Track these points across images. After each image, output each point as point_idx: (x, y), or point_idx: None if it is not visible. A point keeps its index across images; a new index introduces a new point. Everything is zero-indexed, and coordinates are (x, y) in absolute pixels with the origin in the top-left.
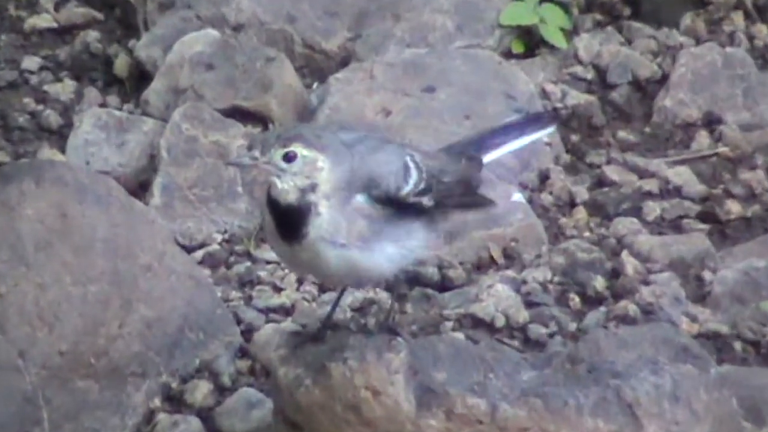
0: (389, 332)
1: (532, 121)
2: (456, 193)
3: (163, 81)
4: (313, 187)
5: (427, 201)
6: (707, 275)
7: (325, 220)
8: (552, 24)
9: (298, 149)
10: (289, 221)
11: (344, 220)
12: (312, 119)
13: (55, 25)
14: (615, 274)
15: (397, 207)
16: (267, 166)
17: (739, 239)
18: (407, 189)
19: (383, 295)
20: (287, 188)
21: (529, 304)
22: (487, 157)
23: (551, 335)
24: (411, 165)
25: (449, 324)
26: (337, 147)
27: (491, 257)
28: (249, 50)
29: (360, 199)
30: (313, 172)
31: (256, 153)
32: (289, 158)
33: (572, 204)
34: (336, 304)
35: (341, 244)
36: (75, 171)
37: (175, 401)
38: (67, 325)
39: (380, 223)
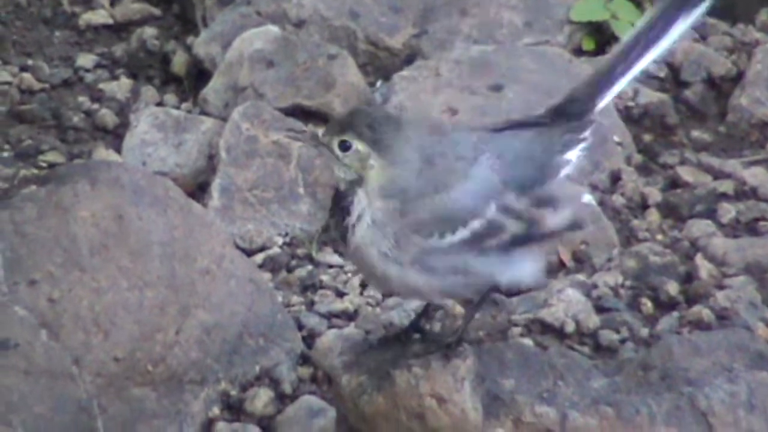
0: (457, 344)
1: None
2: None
3: (222, 79)
4: (360, 182)
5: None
6: None
7: (367, 219)
8: (624, 19)
9: (353, 140)
10: (340, 210)
11: (391, 230)
12: None
13: (110, 21)
14: (689, 278)
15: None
16: (323, 148)
17: None
18: (466, 234)
19: (449, 300)
20: (341, 175)
21: (600, 309)
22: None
23: (623, 341)
24: (491, 209)
25: (517, 329)
26: (396, 144)
27: (561, 261)
28: (310, 47)
29: (417, 239)
30: (364, 169)
31: (320, 132)
32: (344, 147)
33: (644, 206)
34: (421, 313)
35: (384, 253)
36: (131, 172)
37: (234, 410)
38: (122, 331)
39: (442, 252)
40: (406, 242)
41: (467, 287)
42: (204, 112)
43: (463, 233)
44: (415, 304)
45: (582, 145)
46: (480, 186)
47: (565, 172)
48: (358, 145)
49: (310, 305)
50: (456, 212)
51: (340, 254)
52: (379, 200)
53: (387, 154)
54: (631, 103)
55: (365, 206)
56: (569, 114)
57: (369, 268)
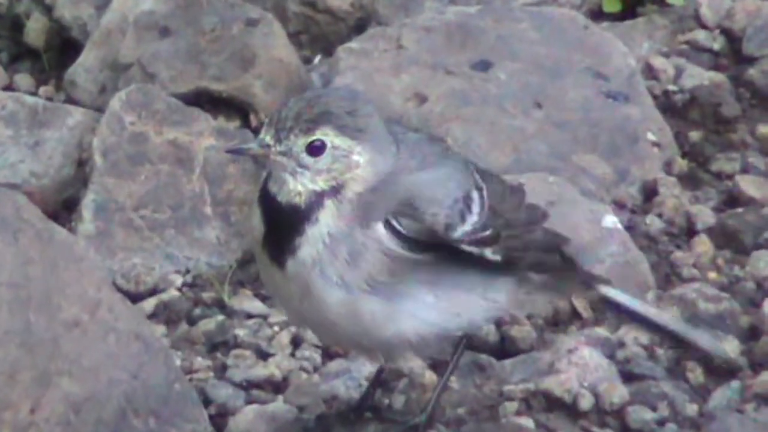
0: (427, 427)
1: None
2: (533, 247)
3: (97, 53)
4: (337, 190)
5: (491, 253)
6: None
7: (323, 234)
8: None
9: (328, 136)
10: (282, 228)
11: (346, 247)
12: None
13: None
14: (754, 333)
15: (439, 252)
16: (283, 158)
17: None
18: (463, 230)
19: (416, 363)
20: (300, 189)
21: (629, 377)
22: None
23: (661, 422)
24: (475, 196)
25: (512, 405)
26: (378, 129)
27: (573, 308)
28: (221, 8)
29: (380, 230)
30: (347, 169)
31: (268, 138)
32: (314, 149)
33: (691, 231)
34: (374, 382)
35: (327, 276)
36: None
37: None
38: None
39: (408, 266)
40: (365, 250)
41: (446, 320)
42: (71, 100)
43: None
44: (367, 370)
45: None
46: (463, 164)
47: None
48: (335, 141)
49: (221, 371)
50: (455, 190)
51: (263, 298)
52: (348, 207)
53: (374, 142)
54: (672, 86)
55: (326, 215)
56: None
57: (307, 299)
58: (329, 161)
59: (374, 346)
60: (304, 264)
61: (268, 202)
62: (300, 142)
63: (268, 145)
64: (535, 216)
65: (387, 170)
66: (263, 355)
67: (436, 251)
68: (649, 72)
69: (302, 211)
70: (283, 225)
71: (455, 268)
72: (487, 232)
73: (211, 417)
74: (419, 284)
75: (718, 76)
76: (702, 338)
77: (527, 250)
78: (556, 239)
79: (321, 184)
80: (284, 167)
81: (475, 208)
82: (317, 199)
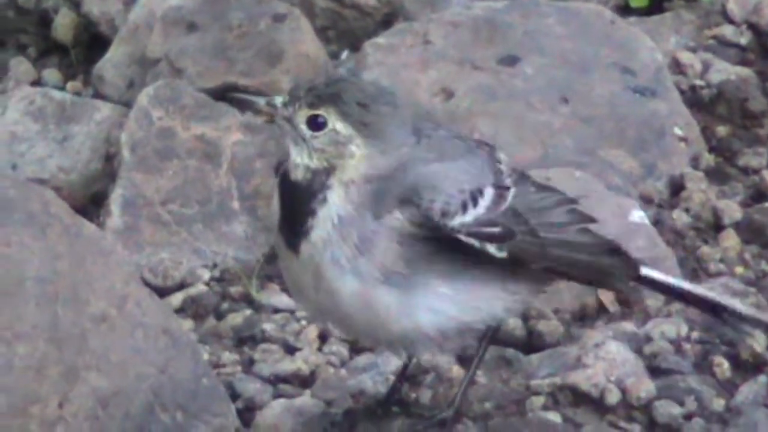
0: (455, 421)
1: None
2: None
3: (124, 48)
4: (328, 172)
5: (495, 249)
6: None
7: (332, 214)
8: None
9: (330, 117)
10: (296, 210)
11: (356, 230)
12: None
13: None
14: None
15: (448, 242)
16: (284, 122)
17: None
18: (461, 220)
19: (443, 358)
20: (298, 161)
21: (656, 372)
22: None
23: (688, 417)
24: (489, 192)
25: (539, 399)
26: (390, 128)
27: (600, 303)
28: (248, 4)
29: (392, 217)
30: (340, 156)
31: (278, 100)
32: (315, 124)
33: (718, 226)
34: (401, 376)
35: (337, 260)
36: None
37: None
38: None
39: (424, 257)
40: (377, 237)
41: (465, 313)
42: (99, 95)
43: (466, 216)
44: (395, 364)
45: None
46: (484, 163)
47: None
48: (337, 125)
49: (249, 365)
50: (463, 182)
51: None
52: (357, 191)
53: (377, 140)
54: (699, 81)
55: (336, 197)
56: None
57: (322, 289)
58: (326, 141)
59: (393, 339)
60: (316, 247)
61: (284, 183)
62: (302, 113)
63: (275, 107)
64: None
65: (387, 168)
66: (290, 350)
67: (447, 241)
68: (676, 67)
69: (309, 190)
70: (296, 207)
71: (473, 260)
72: (496, 229)
73: (238, 411)
74: (436, 276)
75: (745, 71)
76: (739, 305)
77: (559, 260)
78: (605, 244)
79: (315, 161)
80: (286, 133)
81: (484, 202)
82: (319, 178)
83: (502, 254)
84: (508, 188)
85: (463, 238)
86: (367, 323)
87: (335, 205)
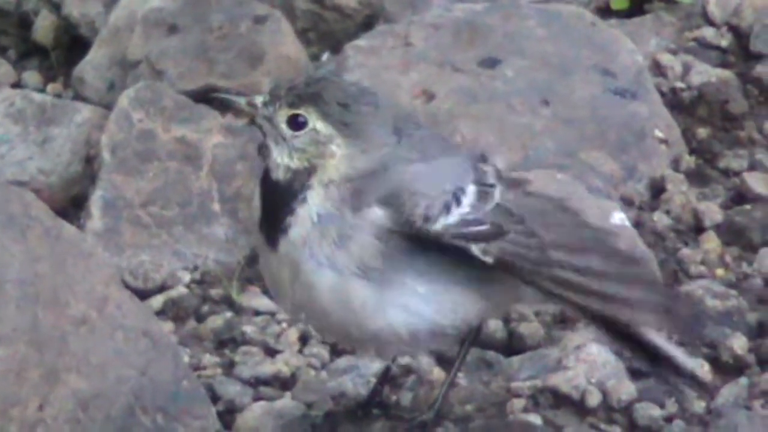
0: (435, 423)
1: None
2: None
3: (105, 50)
4: (309, 172)
5: (479, 251)
6: None
7: (312, 213)
8: None
9: (311, 116)
10: (276, 208)
11: (340, 228)
12: None
13: None
14: (762, 329)
15: (427, 245)
16: (264, 122)
17: None
18: (445, 222)
19: (424, 360)
20: (279, 161)
21: (637, 374)
22: None
23: (668, 419)
24: (471, 190)
25: (519, 402)
26: (371, 128)
27: None
28: (229, 5)
29: (371, 213)
30: (320, 155)
31: (258, 100)
32: (295, 123)
33: (699, 228)
34: (382, 378)
35: (314, 255)
36: None
37: None
38: None
39: (403, 254)
40: (355, 232)
41: (440, 315)
42: (80, 97)
43: (450, 218)
44: (375, 366)
45: None
46: (465, 161)
47: None
48: (317, 125)
49: (229, 368)
50: (445, 181)
51: (271, 295)
52: (337, 189)
53: (358, 139)
54: (680, 83)
55: (315, 196)
56: None
57: (298, 282)
58: (307, 141)
59: (364, 337)
60: (294, 244)
61: (265, 181)
62: (282, 113)
63: (256, 106)
64: (591, 234)
65: (368, 168)
66: (271, 352)
67: (427, 240)
68: (657, 69)
69: (289, 189)
70: (276, 205)
71: (453, 261)
72: (482, 227)
73: (219, 413)
74: (414, 275)
75: (726, 73)
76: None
77: (549, 264)
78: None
79: (296, 161)
80: (267, 133)
81: (468, 200)
82: (300, 179)
83: (487, 258)
84: (492, 185)
85: (445, 242)
86: (342, 320)
87: (315, 205)
